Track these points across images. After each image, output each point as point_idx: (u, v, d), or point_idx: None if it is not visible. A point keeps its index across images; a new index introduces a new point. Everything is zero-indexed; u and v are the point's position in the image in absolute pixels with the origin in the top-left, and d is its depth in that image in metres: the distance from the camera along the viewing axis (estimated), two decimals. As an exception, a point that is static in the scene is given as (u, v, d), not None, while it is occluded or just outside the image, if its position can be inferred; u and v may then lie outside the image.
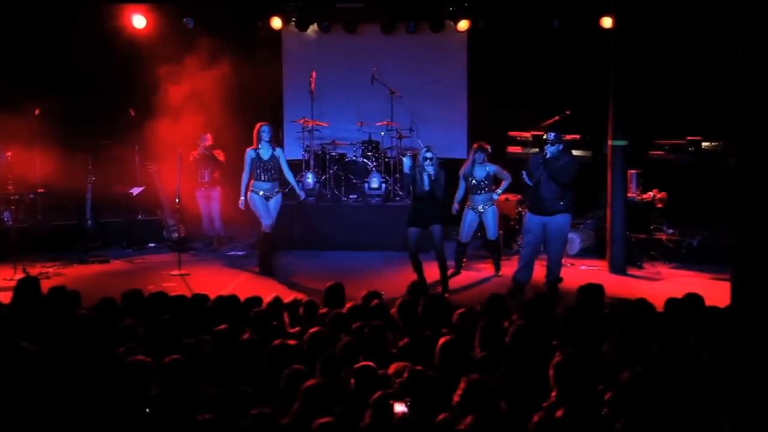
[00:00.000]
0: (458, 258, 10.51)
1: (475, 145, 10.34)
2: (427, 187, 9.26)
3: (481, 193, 10.17)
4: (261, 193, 10.28)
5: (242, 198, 10.35)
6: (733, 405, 4.34)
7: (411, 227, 9.45)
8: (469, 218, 10.29)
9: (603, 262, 10.82)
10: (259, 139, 10.28)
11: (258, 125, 10.41)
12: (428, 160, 9.26)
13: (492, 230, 10.32)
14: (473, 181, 10.14)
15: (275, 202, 10.40)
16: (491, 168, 10.22)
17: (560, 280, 9.41)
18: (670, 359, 5.25)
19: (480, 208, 10.21)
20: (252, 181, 10.30)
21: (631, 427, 4.15)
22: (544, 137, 9.25)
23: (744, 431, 4.00)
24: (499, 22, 12.81)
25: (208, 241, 12.27)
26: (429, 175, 9.24)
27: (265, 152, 10.27)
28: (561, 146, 9.14)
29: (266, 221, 10.32)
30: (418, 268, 9.39)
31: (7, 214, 11.62)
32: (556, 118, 11.92)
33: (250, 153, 10.28)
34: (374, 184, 12.17)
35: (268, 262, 10.47)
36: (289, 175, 10.48)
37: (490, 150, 10.40)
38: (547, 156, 9.08)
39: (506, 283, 9.61)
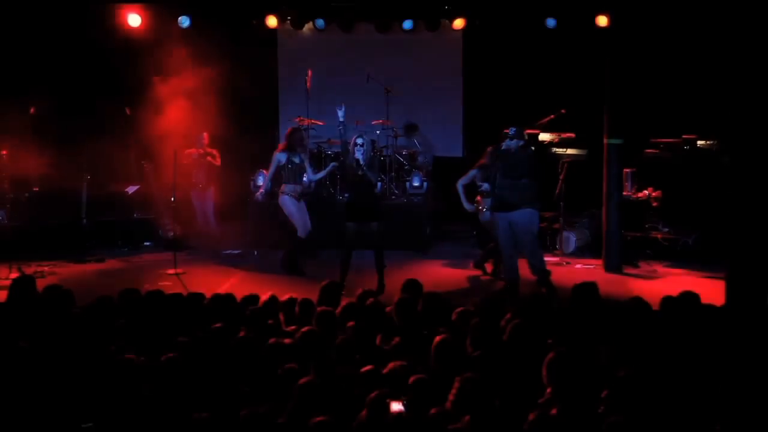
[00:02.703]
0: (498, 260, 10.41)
1: (488, 148, 10.31)
2: (358, 171, 9.33)
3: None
4: (294, 195, 10.45)
5: (261, 191, 10.74)
6: (728, 402, 4.35)
7: (348, 222, 9.42)
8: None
9: (599, 260, 10.83)
10: (294, 143, 10.43)
11: (290, 129, 10.70)
12: (358, 146, 9.33)
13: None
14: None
15: (304, 203, 10.62)
16: None
17: (548, 272, 9.30)
18: (666, 357, 5.26)
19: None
20: (283, 185, 10.46)
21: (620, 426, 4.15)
22: (505, 131, 9.18)
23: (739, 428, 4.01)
24: (495, 21, 12.80)
25: (204, 239, 12.26)
26: (357, 161, 9.32)
27: (297, 156, 10.45)
28: (521, 142, 9.11)
29: (301, 227, 10.49)
30: (344, 269, 9.37)
31: (2, 213, 11.60)
32: (551, 116, 11.93)
33: (279, 156, 10.40)
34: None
35: (294, 264, 10.49)
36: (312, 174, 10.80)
37: None
38: (502, 149, 9.07)
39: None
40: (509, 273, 9.32)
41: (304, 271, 10.40)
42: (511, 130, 9.13)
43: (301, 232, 10.51)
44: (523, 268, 10.19)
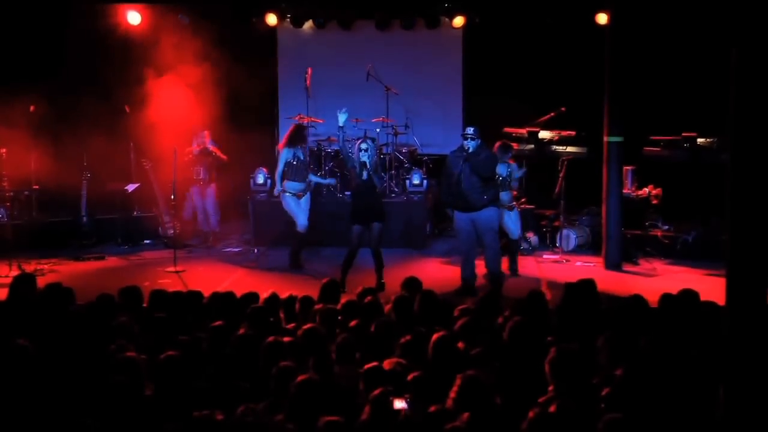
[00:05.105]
0: (515, 258, 10.38)
1: (498, 143, 10.31)
2: (364, 177, 9.40)
3: (505, 191, 10.14)
4: (293, 193, 10.50)
5: (278, 187, 10.62)
6: (728, 396, 4.35)
7: (354, 224, 9.48)
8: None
9: (598, 258, 10.84)
10: (298, 141, 10.49)
11: (296, 126, 10.78)
12: (363, 151, 9.41)
13: (514, 229, 10.30)
14: (498, 179, 10.03)
15: (306, 200, 10.63)
16: (514, 167, 10.32)
17: (503, 276, 9.46)
18: (665, 355, 5.26)
19: (506, 205, 10.17)
20: (285, 182, 10.52)
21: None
22: (463, 132, 9.28)
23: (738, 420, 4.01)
24: (495, 18, 12.81)
25: (204, 237, 12.26)
26: (363, 164, 9.38)
27: (300, 152, 10.55)
28: (479, 141, 9.20)
29: (301, 221, 10.53)
30: (346, 269, 9.42)
31: (2, 211, 11.60)
32: (552, 114, 11.94)
33: (286, 153, 10.51)
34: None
35: (297, 260, 10.58)
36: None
37: (515, 148, 10.58)
38: (470, 150, 9.12)
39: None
40: (465, 273, 9.34)
41: (303, 266, 10.47)
42: (468, 130, 9.22)
43: (299, 228, 10.54)
44: (527, 267, 10.27)
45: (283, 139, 10.69)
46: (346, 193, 12.27)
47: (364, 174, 9.40)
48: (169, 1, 12.63)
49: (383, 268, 9.51)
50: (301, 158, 10.53)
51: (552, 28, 12.56)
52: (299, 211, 10.54)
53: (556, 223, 11.67)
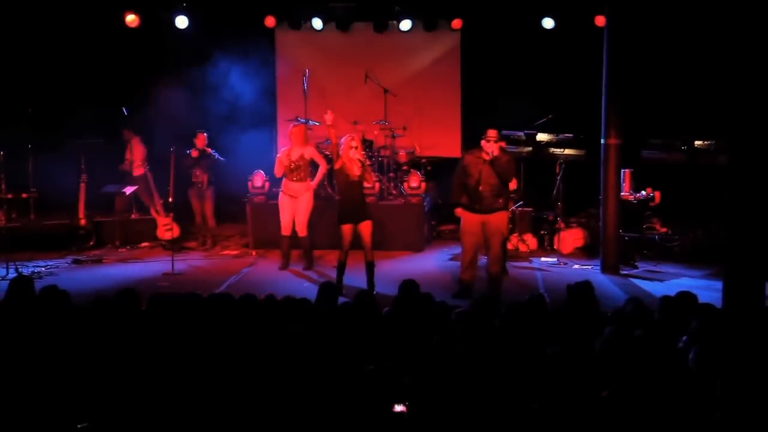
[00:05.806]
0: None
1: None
2: (358, 171, 9.31)
3: None
4: (288, 193, 10.56)
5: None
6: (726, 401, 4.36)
7: (343, 224, 9.41)
8: None
9: (596, 261, 10.83)
10: (294, 140, 10.67)
11: (295, 128, 10.85)
12: (353, 149, 9.32)
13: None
14: None
15: (304, 201, 10.64)
16: None
17: (503, 279, 9.48)
18: (664, 358, 5.26)
19: None
20: (284, 181, 10.64)
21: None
22: (485, 135, 9.20)
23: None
24: (493, 21, 12.81)
25: (202, 240, 12.25)
26: (359, 161, 9.32)
27: (294, 153, 10.55)
28: (500, 144, 9.23)
29: (285, 223, 10.62)
30: (341, 268, 9.41)
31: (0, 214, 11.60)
32: (549, 116, 11.94)
33: (281, 154, 10.66)
34: (367, 183, 12.13)
35: (285, 261, 10.70)
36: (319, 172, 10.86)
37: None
38: (493, 153, 9.11)
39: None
40: (466, 275, 9.33)
41: (288, 266, 10.61)
42: (490, 133, 9.18)
43: (282, 230, 10.65)
44: (525, 270, 10.26)
45: (294, 141, 10.69)
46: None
47: (357, 170, 9.36)
48: (168, 3, 12.61)
49: (374, 269, 9.46)
50: (294, 159, 10.50)
51: (550, 30, 12.56)
52: (286, 213, 10.59)
53: (555, 226, 11.67)
